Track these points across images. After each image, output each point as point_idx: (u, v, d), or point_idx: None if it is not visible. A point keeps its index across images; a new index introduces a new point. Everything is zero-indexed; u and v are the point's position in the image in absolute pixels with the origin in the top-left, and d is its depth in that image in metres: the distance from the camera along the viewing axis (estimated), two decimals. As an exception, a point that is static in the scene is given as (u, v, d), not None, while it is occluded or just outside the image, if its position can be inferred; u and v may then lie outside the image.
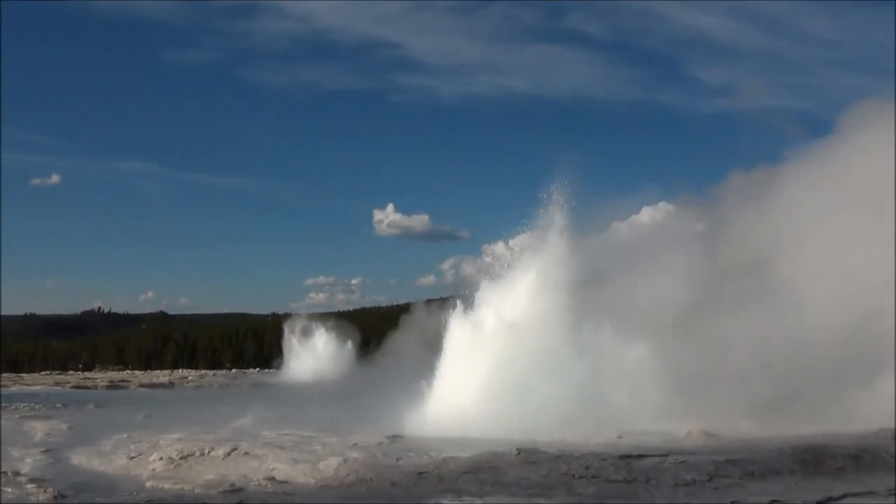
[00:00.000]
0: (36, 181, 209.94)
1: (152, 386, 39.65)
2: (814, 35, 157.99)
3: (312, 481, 11.44)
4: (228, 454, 13.13)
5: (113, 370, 64.02)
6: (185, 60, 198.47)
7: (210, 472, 12.17)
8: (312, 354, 53.48)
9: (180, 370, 61.41)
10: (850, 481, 10.97)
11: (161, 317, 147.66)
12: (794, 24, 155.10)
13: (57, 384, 40.80)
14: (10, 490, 10.61)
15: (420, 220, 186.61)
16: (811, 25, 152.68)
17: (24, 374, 55.07)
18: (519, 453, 12.21)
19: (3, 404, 23.94)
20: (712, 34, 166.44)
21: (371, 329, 60.66)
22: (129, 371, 60.79)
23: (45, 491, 10.49)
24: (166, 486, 11.34)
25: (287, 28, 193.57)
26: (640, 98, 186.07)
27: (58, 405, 24.69)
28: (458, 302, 18.69)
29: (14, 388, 36.77)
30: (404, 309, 47.31)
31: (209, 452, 13.25)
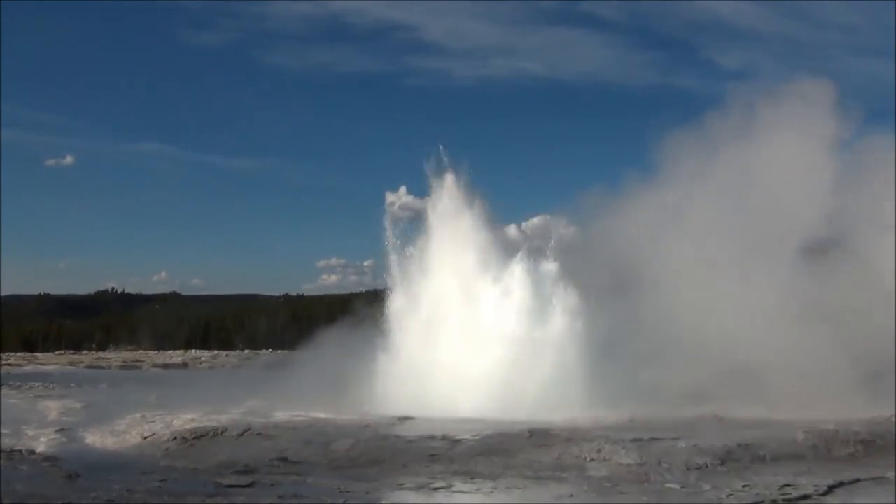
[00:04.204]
0: (50, 162, 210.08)
1: (165, 366, 39.87)
2: (831, 19, 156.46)
3: (325, 462, 11.50)
4: (241, 435, 13.21)
5: (126, 350, 64.25)
6: (200, 42, 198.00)
7: (223, 452, 12.24)
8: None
9: (193, 351, 61.56)
10: (861, 466, 10.96)
11: (174, 297, 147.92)
12: (811, 7, 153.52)
13: (71, 364, 41.06)
14: (24, 468, 10.66)
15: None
16: (829, 9, 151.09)
17: (38, 354, 55.42)
18: (531, 436, 12.24)
19: (17, 384, 24.13)
20: (729, 18, 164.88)
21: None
22: (142, 351, 60.99)
23: (59, 470, 10.55)
24: (180, 465, 11.41)
25: (302, 10, 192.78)
26: (656, 82, 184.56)
27: (72, 385, 24.86)
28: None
29: (29, 368, 37.02)
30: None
31: (222, 433, 13.34)
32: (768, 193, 19.77)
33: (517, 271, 18.88)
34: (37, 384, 24.57)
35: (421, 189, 21.14)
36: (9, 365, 38.11)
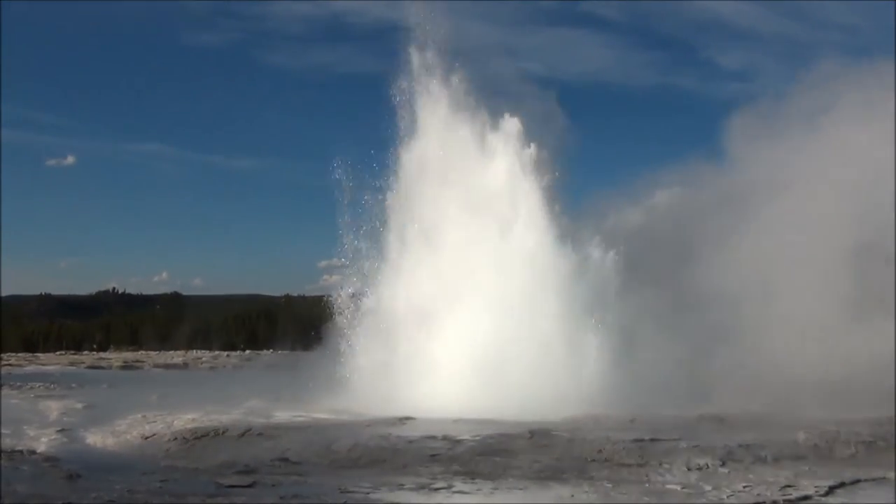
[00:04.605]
0: (51, 162, 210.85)
1: (166, 366, 39.86)
2: (832, 20, 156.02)
3: (325, 462, 11.49)
4: (242, 435, 13.20)
5: (127, 351, 64.26)
6: (201, 42, 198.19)
7: (224, 452, 12.23)
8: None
9: (194, 351, 61.56)
10: (862, 467, 10.94)
11: (175, 298, 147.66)
12: (811, 8, 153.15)
13: (72, 364, 41.08)
14: (25, 469, 10.66)
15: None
16: (829, 10, 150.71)
17: (39, 354, 55.45)
18: (531, 436, 12.23)
19: (18, 384, 24.15)
20: (729, 18, 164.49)
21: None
22: (143, 352, 60.99)
23: (59, 470, 10.55)
24: (180, 465, 11.40)
25: (303, 10, 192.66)
26: (656, 82, 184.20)
27: (73, 385, 24.87)
28: None
29: (30, 368, 37.05)
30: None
31: (223, 433, 13.33)
32: (833, 189, 18.97)
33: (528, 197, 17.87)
34: (38, 384, 24.58)
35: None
36: (10, 365, 38.16)
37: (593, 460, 11.14)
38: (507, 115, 18.41)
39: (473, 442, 12.06)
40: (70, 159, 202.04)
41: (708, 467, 10.75)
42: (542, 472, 10.67)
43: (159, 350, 62.39)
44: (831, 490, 9.63)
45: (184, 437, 13.19)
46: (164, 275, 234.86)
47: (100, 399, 19.88)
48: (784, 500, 9.11)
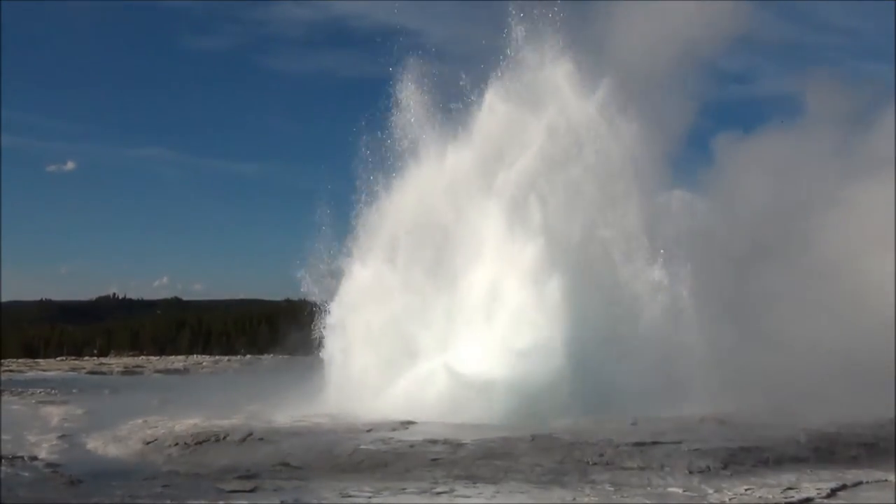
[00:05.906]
0: (51, 168, 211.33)
1: (167, 371, 39.72)
2: (832, 22, 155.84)
3: (327, 467, 11.48)
4: (243, 440, 13.19)
5: (128, 356, 64.11)
6: (203, 47, 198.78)
7: (225, 457, 12.23)
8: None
9: (195, 356, 61.38)
10: (864, 469, 10.96)
11: (176, 302, 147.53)
12: (812, 11, 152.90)
13: (72, 370, 40.96)
14: (26, 475, 10.66)
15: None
16: (830, 12, 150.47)
17: (39, 360, 55.32)
18: (533, 440, 12.22)
19: (19, 390, 24.15)
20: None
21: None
22: (144, 357, 60.85)
23: (61, 476, 10.55)
24: (182, 470, 11.40)
25: (304, 15, 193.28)
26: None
27: (73, 390, 24.83)
28: None
29: (30, 374, 36.96)
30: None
31: (224, 438, 13.32)
32: None
33: None
34: (38, 390, 24.54)
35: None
36: (10, 371, 38.04)
37: (595, 463, 11.14)
38: None
39: (474, 446, 12.05)
40: (70, 165, 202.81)
41: (710, 470, 10.76)
42: (544, 475, 10.67)
43: (160, 355, 62.33)
44: (833, 492, 9.65)
45: (185, 442, 13.18)
46: (165, 279, 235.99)
47: (101, 404, 19.89)
48: (786, 503, 9.12)
